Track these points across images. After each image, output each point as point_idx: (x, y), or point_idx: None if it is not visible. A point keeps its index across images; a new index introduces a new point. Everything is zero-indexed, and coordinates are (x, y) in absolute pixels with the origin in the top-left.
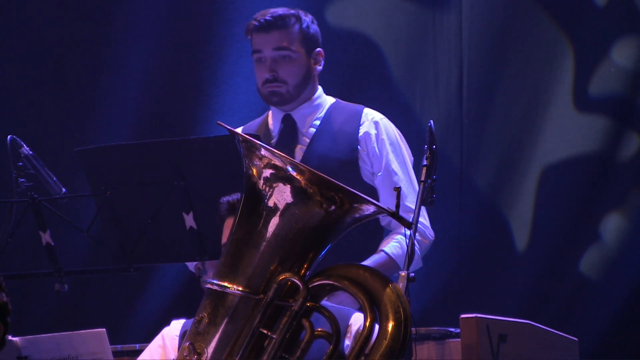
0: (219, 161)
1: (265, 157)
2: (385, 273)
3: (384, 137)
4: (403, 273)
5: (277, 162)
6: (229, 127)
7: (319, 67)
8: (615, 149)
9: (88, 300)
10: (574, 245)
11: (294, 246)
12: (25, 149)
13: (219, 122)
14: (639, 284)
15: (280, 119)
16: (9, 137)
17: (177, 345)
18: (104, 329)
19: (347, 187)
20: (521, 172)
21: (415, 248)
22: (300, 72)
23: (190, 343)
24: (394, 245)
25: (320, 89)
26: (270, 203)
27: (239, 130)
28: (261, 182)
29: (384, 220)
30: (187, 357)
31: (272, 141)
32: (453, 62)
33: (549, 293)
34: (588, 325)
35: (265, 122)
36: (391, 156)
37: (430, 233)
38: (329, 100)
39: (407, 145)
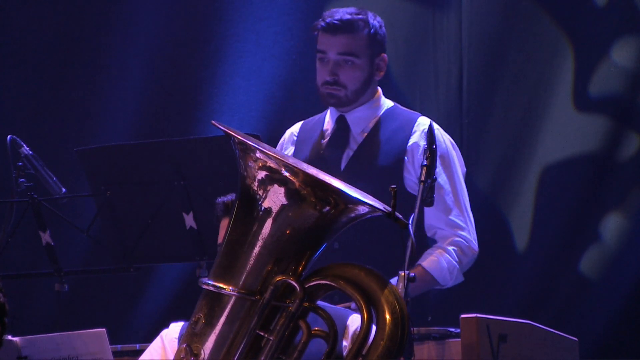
0: (219, 161)
1: (259, 158)
2: (422, 286)
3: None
4: (402, 273)
5: (272, 164)
6: (223, 128)
7: (381, 73)
8: (615, 148)
9: (88, 300)
10: (574, 245)
11: (289, 246)
12: (25, 149)
13: (213, 122)
14: (639, 284)
15: (335, 119)
16: (9, 137)
17: (176, 347)
18: (104, 329)
19: (341, 188)
20: (521, 172)
21: (454, 262)
22: (362, 77)
23: (187, 344)
24: (431, 260)
25: (379, 91)
26: (265, 204)
27: (296, 127)
28: (256, 183)
29: (430, 231)
30: (184, 359)
31: (324, 140)
32: (453, 62)
33: (549, 293)
34: (588, 325)
35: (322, 120)
36: (439, 169)
37: (473, 245)
38: (386, 104)
39: (460, 157)
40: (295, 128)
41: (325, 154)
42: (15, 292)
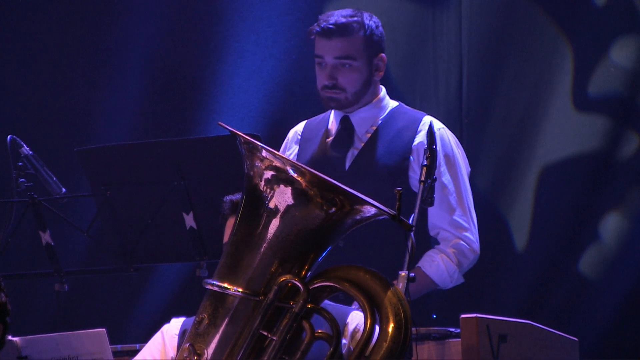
0: (219, 161)
1: (266, 158)
2: (421, 289)
3: (439, 148)
4: (403, 273)
5: (278, 164)
6: (230, 128)
7: (381, 73)
8: (614, 148)
9: (88, 300)
10: (573, 244)
11: (294, 247)
12: (25, 149)
13: (220, 122)
14: (638, 283)
15: (339, 119)
16: (9, 137)
17: (176, 344)
18: (104, 329)
19: (348, 189)
20: (520, 172)
21: (454, 265)
22: (361, 79)
23: (190, 344)
24: (431, 262)
25: (383, 91)
26: (271, 204)
27: (300, 126)
28: (262, 183)
29: (433, 230)
30: (187, 358)
31: (329, 139)
32: (453, 62)
33: (548, 293)
34: (588, 325)
35: (326, 119)
36: (443, 168)
37: (475, 247)
38: (391, 104)
39: (465, 158)
40: (300, 127)
41: (329, 153)
42: (15, 292)
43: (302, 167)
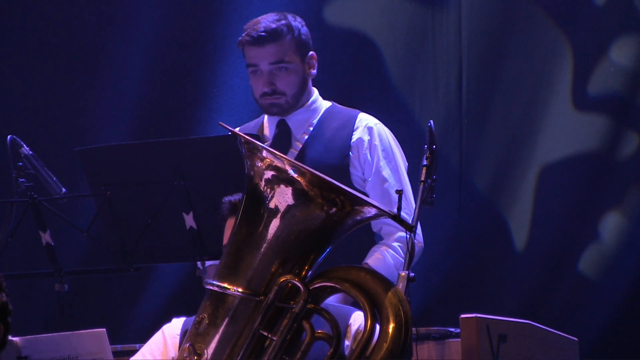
0: (219, 161)
1: (266, 158)
2: None
3: (377, 143)
4: (403, 273)
5: (279, 164)
6: (231, 128)
7: (314, 71)
8: (614, 147)
9: (88, 300)
10: (573, 244)
11: (295, 248)
12: (25, 149)
13: (221, 123)
14: (638, 283)
15: (275, 123)
16: (9, 137)
17: (177, 343)
18: (104, 329)
19: (349, 190)
20: (520, 172)
21: (400, 258)
22: (298, 80)
23: (190, 344)
24: (377, 257)
25: (315, 92)
26: (272, 204)
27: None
28: (262, 183)
29: (376, 226)
30: (187, 358)
31: (266, 144)
32: (453, 62)
33: (548, 293)
34: (588, 324)
35: (261, 125)
36: (382, 162)
37: (419, 239)
38: (325, 105)
39: (401, 152)
40: None
41: None
42: (15, 292)
43: (302, 167)
